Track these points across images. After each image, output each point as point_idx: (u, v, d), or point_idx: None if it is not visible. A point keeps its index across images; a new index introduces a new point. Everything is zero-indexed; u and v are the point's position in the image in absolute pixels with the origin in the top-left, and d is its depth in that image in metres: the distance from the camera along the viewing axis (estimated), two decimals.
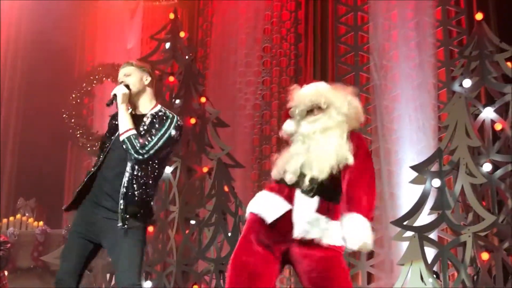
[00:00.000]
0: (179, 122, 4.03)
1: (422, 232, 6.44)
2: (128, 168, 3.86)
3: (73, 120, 9.97)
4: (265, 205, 3.36)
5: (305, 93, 3.44)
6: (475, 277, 6.39)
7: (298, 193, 3.32)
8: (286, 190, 3.34)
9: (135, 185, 3.84)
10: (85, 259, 3.91)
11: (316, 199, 3.29)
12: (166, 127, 3.98)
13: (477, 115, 6.95)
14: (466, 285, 6.21)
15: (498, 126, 6.85)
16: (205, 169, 7.79)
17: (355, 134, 3.41)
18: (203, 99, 8.08)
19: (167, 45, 8.38)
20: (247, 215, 3.45)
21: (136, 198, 3.82)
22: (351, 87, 3.47)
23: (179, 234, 7.56)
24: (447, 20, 8.73)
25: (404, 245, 6.60)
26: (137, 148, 3.84)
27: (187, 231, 7.60)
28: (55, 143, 9.96)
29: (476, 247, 6.30)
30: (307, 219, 3.26)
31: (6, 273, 6.70)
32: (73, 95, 10.07)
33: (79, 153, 10.29)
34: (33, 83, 9.43)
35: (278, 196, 3.36)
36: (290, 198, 3.33)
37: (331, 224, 3.30)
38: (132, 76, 4.11)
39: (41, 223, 9.37)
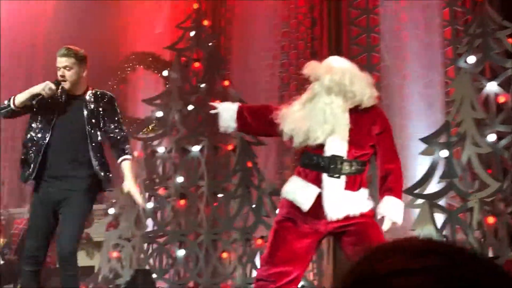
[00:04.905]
0: None
1: (432, 199, 6.39)
2: None
3: None
4: (299, 192, 3.22)
5: (337, 69, 3.27)
6: (482, 240, 6.32)
7: (325, 175, 3.18)
8: (313, 173, 3.21)
9: None
10: None
11: (343, 178, 3.16)
12: None
13: (481, 89, 6.79)
14: (473, 248, 6.12)
15: (501, 99, 6.70)
16: (230, 147, 7.74)
17: (380, 112, 3.34)
18: (226, 83, 8.02)
19: (192, 33, 8.31)
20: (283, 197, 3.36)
21: None
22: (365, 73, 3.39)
23: (208, 207, 7.56)
24: (453, 1, 8.49)
25: (416, 211, 6.55)
26: None
27: (215, 204, 7.60)
28: None
29: (483, 212, 6.22)
30: (337, 201, 3.14)
31: None
32: (110, 83, 10.10)
33: None
34: None
35: (306, 182, 3.21)
36: (318, 181, 3.19)
37: (359, 195, 3.21)
38: None
39: None
